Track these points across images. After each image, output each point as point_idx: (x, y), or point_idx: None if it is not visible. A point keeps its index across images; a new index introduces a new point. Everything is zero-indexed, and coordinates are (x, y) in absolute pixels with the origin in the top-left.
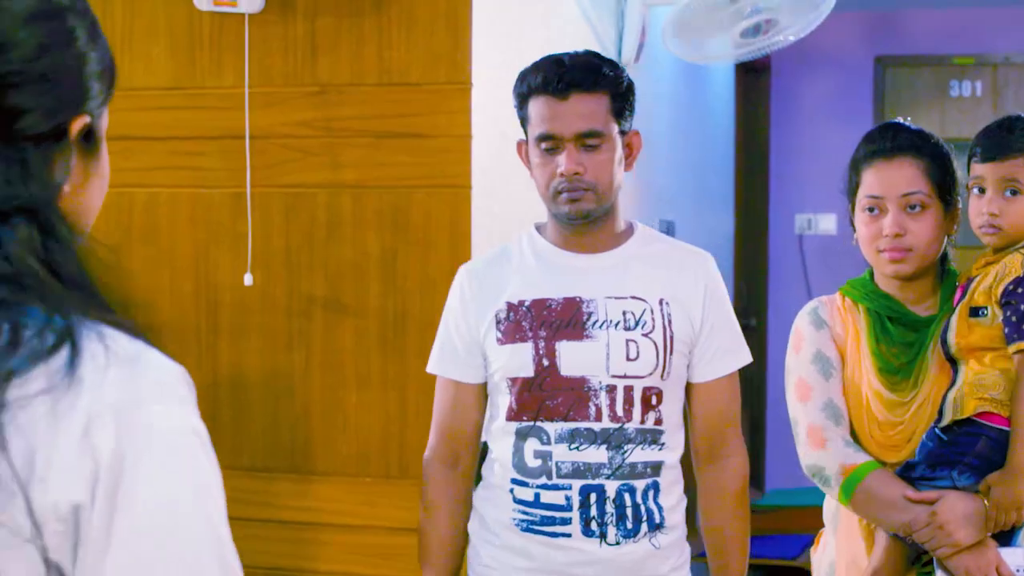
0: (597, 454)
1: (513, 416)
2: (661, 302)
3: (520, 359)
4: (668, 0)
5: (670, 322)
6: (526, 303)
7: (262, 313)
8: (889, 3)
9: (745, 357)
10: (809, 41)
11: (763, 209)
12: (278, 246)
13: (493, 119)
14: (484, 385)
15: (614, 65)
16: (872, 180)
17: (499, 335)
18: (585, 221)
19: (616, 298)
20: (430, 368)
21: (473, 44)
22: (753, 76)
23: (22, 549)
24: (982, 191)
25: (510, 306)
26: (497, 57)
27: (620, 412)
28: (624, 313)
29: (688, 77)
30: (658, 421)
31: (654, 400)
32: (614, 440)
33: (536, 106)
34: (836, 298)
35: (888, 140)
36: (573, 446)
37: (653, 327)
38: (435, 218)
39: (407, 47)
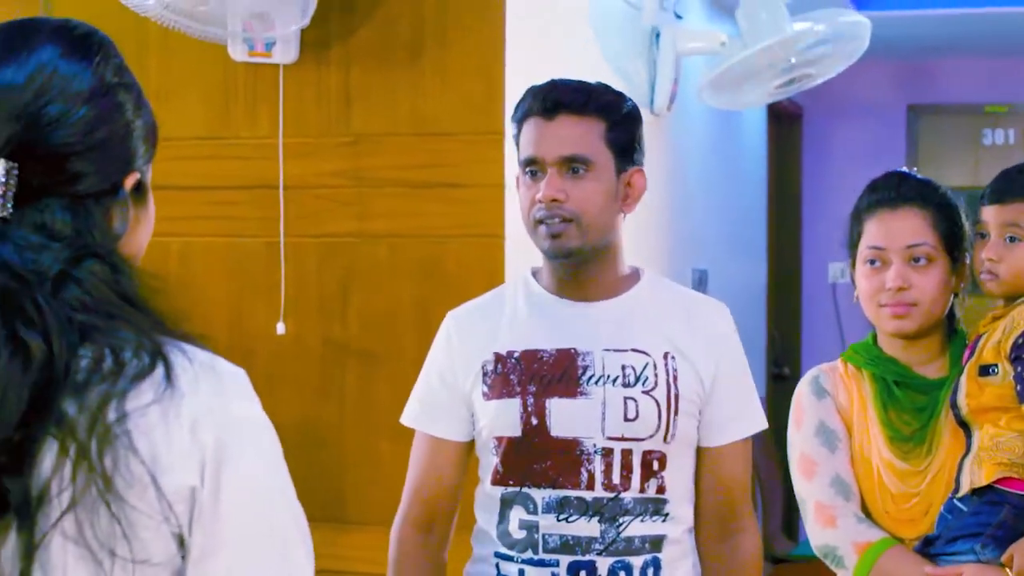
0: (588, 527)
1: (498, 480)
2: (666, 356)
3: (507, 417)
4: (701, 50)
5: (675, 378)
6: (515, 354)
7: (296, 362)
8: (922, 52)
9: (760, 422)
10: (841, 89)
11: (796, 257)
12: (312, 295)
13: None
14: (467, 444)
15: (616, 93)
16: (875, 230)
17: (485, 389)
18: (571, 261)
19: (615, 351)
20: (405, 419)
21: (507, 94)
22: (786, 124)
23: (158, 528)
24: (984, 236)
25: (498, 357)
26: None
27: (616, 479)
28: (624, 368)
29: (721, 126)
30: (661, 489)
31: (656, 465)
32: (608, 512)
33: (526, 129)
34: (838, 365)
35: (892, 189)
36: (562, 517)
37: (656, 384)
38: (469, 267)
39: (441, 97)
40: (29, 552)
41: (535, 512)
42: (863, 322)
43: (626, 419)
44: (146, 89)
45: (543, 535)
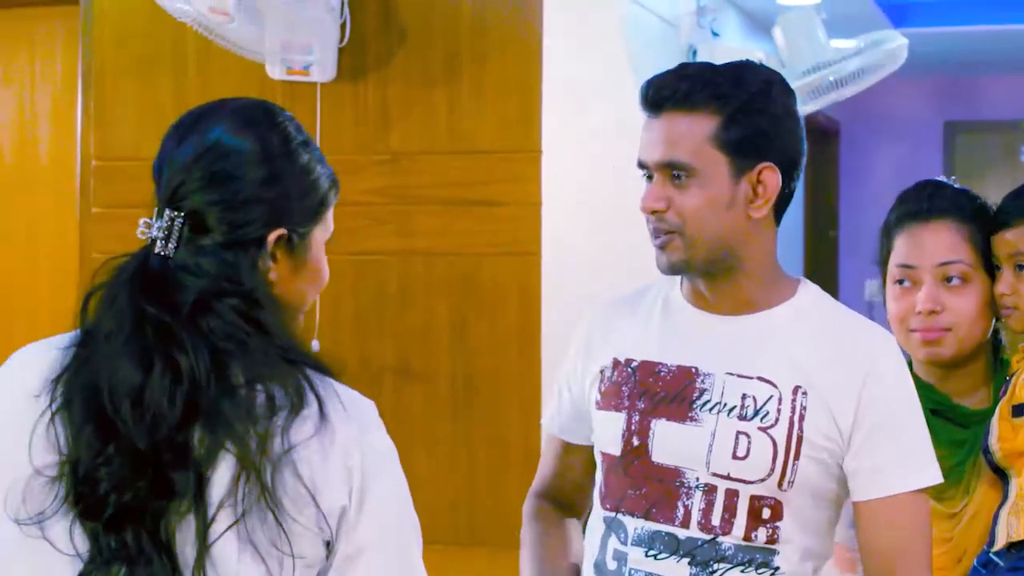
0: (677, 568)
1: (602, 500)
2: (796, 390)
3: (610, 431)
4: None
5: (801, 418)
6: (634, 363)
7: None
8: (959, 69)
9: (923, 477)
10: (879, 106)
11: (833, 275)
12: (348, 312)
13: (563, 186)
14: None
15: (739, 78)
16: (904, 247)
17: (598, 397)
18: (686, 276)
19: (739, 376)
20: (542, 420)
21: (544, 112)
22: (823, 142)
23: (315, 538)
24: (999, 268)
25: (616, 364)
26: (568, 125)
27: (715, 521)
28: (744, 397)
29: None
30: (772, 540)
31: (767, 513)
32: (700, 555)
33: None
34: None
35: (924, 200)
36: (651, 552)
37: (776, 421)
38: (505, 285)
39: (478, 115)
40: (203, 535)
41: (626, 543)
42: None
43: (735, 456)
44: (184, 109)
45: (630, 569)
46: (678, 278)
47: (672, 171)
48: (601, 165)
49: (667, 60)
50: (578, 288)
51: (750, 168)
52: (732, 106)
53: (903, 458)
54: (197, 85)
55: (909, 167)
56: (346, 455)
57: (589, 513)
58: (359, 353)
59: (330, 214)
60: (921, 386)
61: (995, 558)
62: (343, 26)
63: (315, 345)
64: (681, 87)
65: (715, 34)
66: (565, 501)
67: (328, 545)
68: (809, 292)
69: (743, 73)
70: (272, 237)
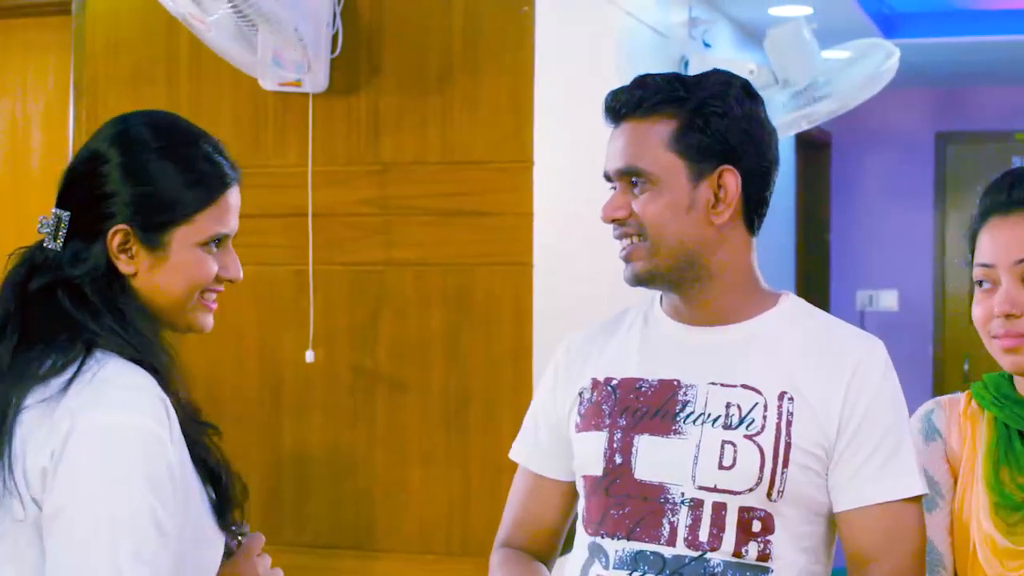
0: None
1: (584, 526)
2: (782, 396)
3: (591, 452)
4: None
5: (789, 423)
6: (614, 381)
7: (325, 390)
8: (951, 80)
9: (908, 487)
10: (870, 117)
11: (824, 285)
12: (341, 323)
13: (556, 197)
14: (572, 485)
15: (695, 83)
16: (984, 244)
17: (578, 419)
18: (654, 287)
19: (722, 385)
20: (511, 453)
21: (536, 123)
22: (814, 152)
23: (24, 494)
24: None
25: (595, 384)
26: (560, 136)
27: (703, 536)
28: (728, 406)
29: None
30: (764, 556)
31: (757, 526)
32: (688, 573)
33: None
34: (960, 399)
35: (1003, 192)
36: (634, 575)
37: (763, 428)
38: (498, 296)
39: (470, 126)
40: None
41: (607, 567)
42: (893, 351)
43: (721, 466)
44: None
45: None
46: (658, 297)
47: (631, 178)
48: (593, 176)
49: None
50: (571, 298)
51: (709, 172)
52: (688, 109)
53: (883, 467)
54: (189, 95)
55: (901, 178)
56: (58, 421)
57: (560, 554)
58: (353, 364)
59: (209, 215)
60: (1016, 401)
61: None
62: (335, 37)
63: (309, 356)
64: (636, 94)
65: (707, 45)
66: (534, 549)
67: (37, 504)
68: (792, 302)
69: (702, 78)
70: (111, 234)
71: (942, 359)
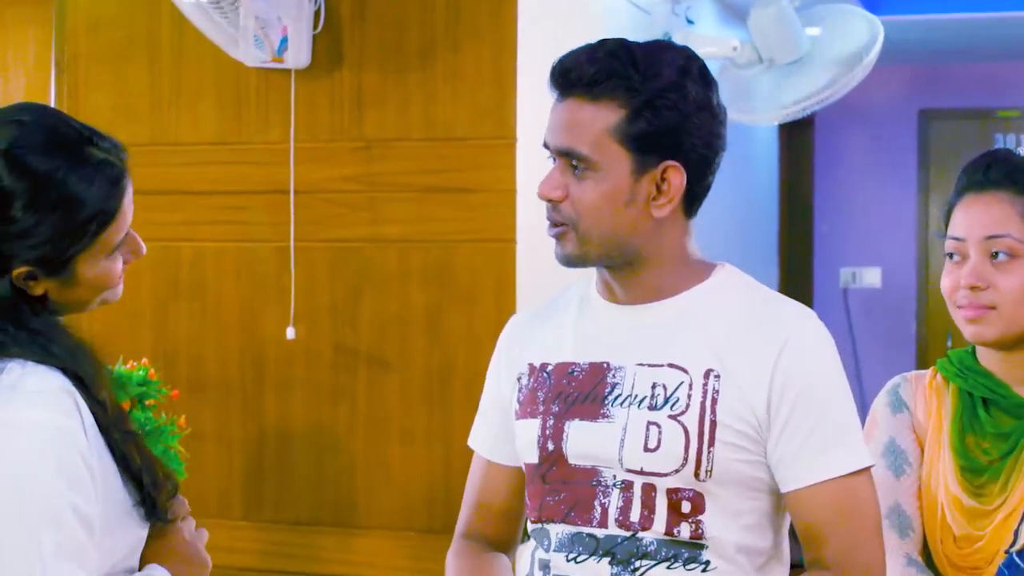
0: (597, 568)
1: (528, 512)
2: (708, 374)
3: (528, 440)
4: (712, 55)
5: (714, 401)
6: (549, 367)
7: (307, 367)
8: (933, 56)
9: (855, 459)
10: (852, 95)
11: (807, 263)
12: (322, 300)
13: (539, 174)
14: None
15: (652, 66)
16: (957, 219)
17: (517, 407)
18: (584, 268)
19: (649, 366)
20: (469, 438)
21: (518, 99)
22: (796, 130)
23: None
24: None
25: (531, 369)
26: (543, 112)
27: (634, 517)
28: (654, 386)
29: (731, 131)
30: (697, 535)
31: (686, 507)
32: (620, 552)
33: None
34: (926, 374)
35: (980, 171)
36: (571, 556)
37: (687, 408)
38: (480, 272)
39: (453, 102)
40: None
41: (548, 549)
42: (874, 328)
43: (646, 448)
44: (158, 95)
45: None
46: (595, 276)
47: (571, 160)
48: None
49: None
50: (553, 275)
51: (653, 166)
52: (638, 100)
53: (825, 443)
54: (171, 72)
55: (884, 155)
56: None
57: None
58: (334, 341)
59: (110, 231)
60: (978, 372)
61: (1018, 560)
62: (317, 13)
63: (290, 332)
64: (588, 72)
65: (690, 22)
66: (493, 536)
67: None
68: (725, 274)
69: (658, 60)
70: (15, 274)
71: (925, 335)
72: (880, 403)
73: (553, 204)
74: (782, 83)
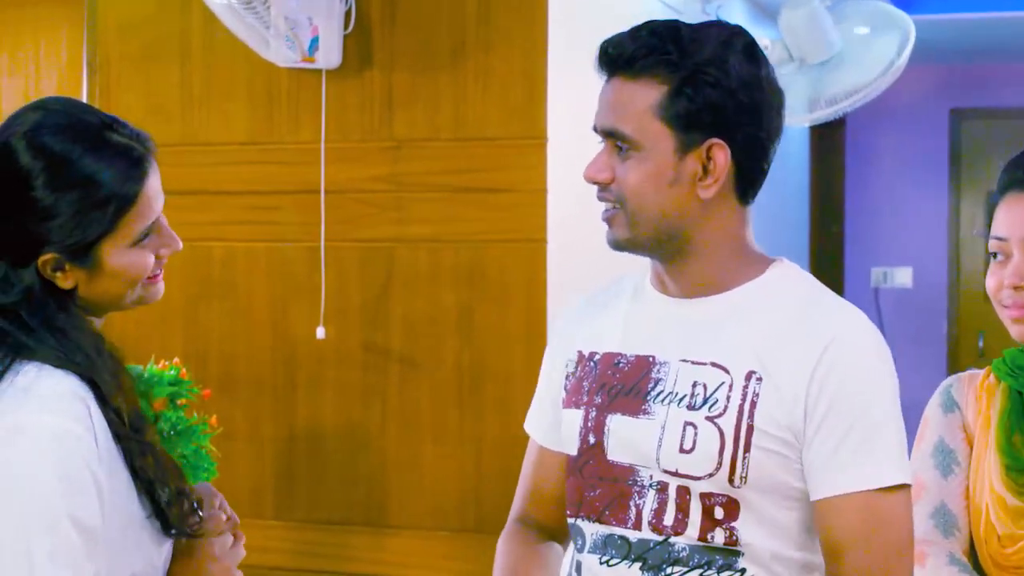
0: (629, 573)
1: (567, 506)
2: (749, 376)
3: (570, 430)
4: None
5: (753, 405)
6: (596, 356)
7: (338, 367)
8: (965, 56)
9: (889, 475)
10: (883, 94)
11: (838, 262)
12: (353, 300)
13: (569, 173)
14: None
15: (702, 42)
16: (1000, 218)
17: (563, 395)
18: (635, 253)
19: (692, 363)
20: (525, 422)
21: (549, 99)
22: (827, 130)
23: None
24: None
25: (580, 357)
26: (573, 111)
27: (668, 521)
28: (694, 385)
29: None
30: (732, 541)
31: (720, 513)
32: (652, 558)
33: None
34: (979, 374)
35: (1021, 169)
36: (604, 559)
37: (725, 410)
38: (511, 272)
39: (483, 102)
40: None
41: (582, 550)
42: (905, 328)
43: (681, 449)
44: (189, 95)
45: None
46: (651, 266)
47: (616, 141)
48: None
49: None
50: (585, 275)
51: (697, 145)
52: (679, 76)
53: (856, 453)
54: (202, 73)
55: (915, 154)
56: None
57: None
58: (365, 341)
59: (133, 216)
60: None
61: None
62: (348, 13)
63: (320, 332)
64: (628, 50)
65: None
66: (546, 521)
67: None
68: (781, 270)
69: (702, 35)
70: (41, 261)
71: (956, 335)
72: (933, 403)
73: (601, 186)
74: (814, 84)
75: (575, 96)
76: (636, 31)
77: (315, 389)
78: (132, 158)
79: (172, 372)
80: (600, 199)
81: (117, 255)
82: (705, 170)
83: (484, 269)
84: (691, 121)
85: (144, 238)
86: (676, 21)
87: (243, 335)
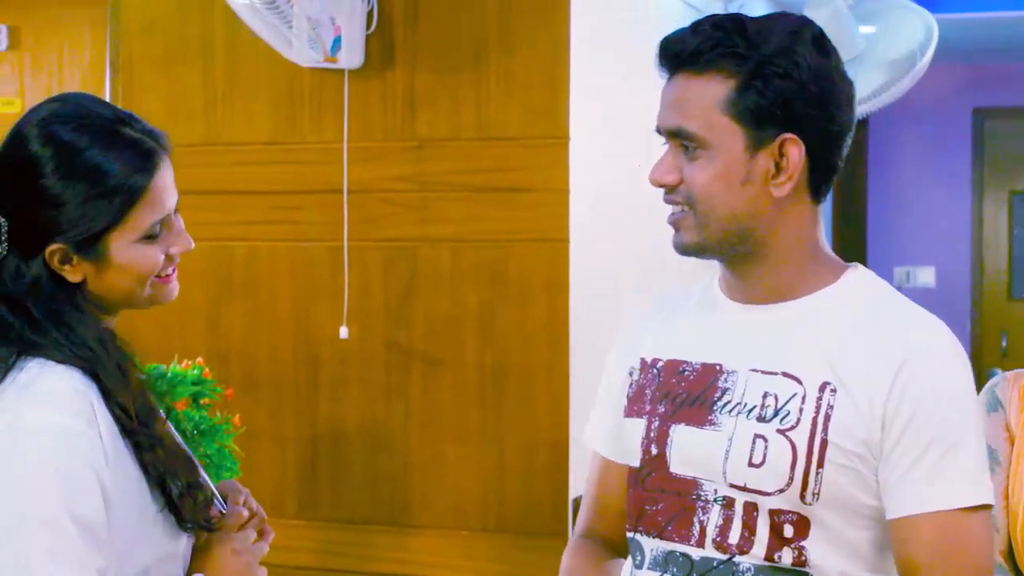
0: None
1: (627, 519)
2: (823, 388)
3: (632, 441)
4: None
5: (827, 418)
6: (659, 363)
7: (361, 366)
8: (987, 55)
9: (964, 495)
10: (907, 94)
11: (861, 261)
12: (376, 300)
13: (591, 173)
14: None
15: (770, 33)
16: None
17: (625, 403)
18: (703, 258)
19: (763, 372)
20: (586, 435)
21: (571, 99)
22: None
23: None
24: None
25: (643, 364)
26: (595, 112)
27: (733, 539)
28: (765, 396)
29: None
30: (800, 562)
31: (789, 531)
32: None
33: None
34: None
35: None
36: None
37: (797, 422)
38: (533, 272)
39: (505, 102)
40: None
41: (641, 566)
42: None
43: (751, 463)
44: (212, 96)
45: None
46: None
47: (682, 141)
48: (627, 150)
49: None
50: (606, 274)
51: (769, 140)
52: (747, 68)
53: (934, 471)
54: (225, 73)
55: (938, 154)
56: None
57: None
58: (387, 340)
59: (141, 209)
60: None
61: None
62: (370, 13)
63: (344, 332)
64: (691, 44)
65: None
66: (614, 537)
67: None
68: (857, 277)
69: (768, 27)
70: (48, 253)
71: (980, 335)
72: (978, 402)
73: (668, 189)
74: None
75: (597, 96)
76: (698, 25)
77: (337, 389)
78: (142, 151)
79: (195, 372)
80: (667, 202)
81: (124, 249)
82: (778, 167)
83: (506, 268)
84: (762, 116)
85: (153, 234)
86: (739, 14)
87: (266, 335)
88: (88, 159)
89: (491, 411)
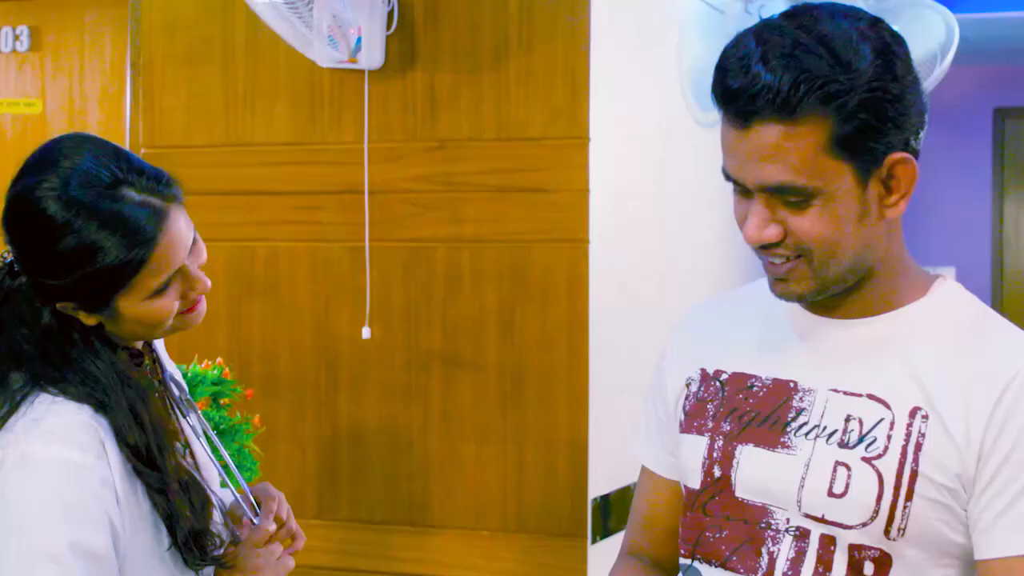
0: None
1: (680, 543)
2: (914, 413)
3: (691, 460)
4: None
5: (918, 447)
6: (723, 376)
7: (380, 367)
8: (1009, 55)
9: None
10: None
11: None
12: (396, 300)
13: (612, 173)
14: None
15: (851, 55)
16: None
17: (682, 417)
18: (815, 300)
19: (845, 393)
20: (629, 443)
21: (592, 99)
22: None
23: None
24: None
25: (704, 376)
26: (615, 112)
27: (806, 573)
28: (847, 419)
29: None
30: None
31: (868, 569)
32: None
33: (720, 127)
34: None
35: None
36: None
37: (885, 450)
38: (553, 273)
39: (526, 102)
40: None
41: None
42: None
43: (831, 493)
44: (232, 96)
45: None
46: None
47: (783, 198)
48: (649, 151)
49: (715, 45)
50: (627, 275)
51: (877, 165)
52: (851, 103)
53: None
54: (245, 73)
55: (958, 154)
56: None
57: None
58: (408, 341)
59: (145, 274)
60: None
61: None
62: (390, 14)
63: (366, 332)
64: (781, 90)
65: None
66: (661, 556)
67: None
68: (946, 291)
69: (851, 45)
70: (60, 307)
71: None
72: None
73: (772, 246)
74: None
75: (618, 96)
76: (766, 62)
77: (357, 389)
78: (147, 216)
79: (215, 372)
80: (770, 255)
81: (134, 306)
82: (887, 188)
83: (526, 269)
84: (872, 145)
85: (163, 289)
86: (802, 37)
87: (286, 335)
88: (84, 239)
89: (511, 411)
